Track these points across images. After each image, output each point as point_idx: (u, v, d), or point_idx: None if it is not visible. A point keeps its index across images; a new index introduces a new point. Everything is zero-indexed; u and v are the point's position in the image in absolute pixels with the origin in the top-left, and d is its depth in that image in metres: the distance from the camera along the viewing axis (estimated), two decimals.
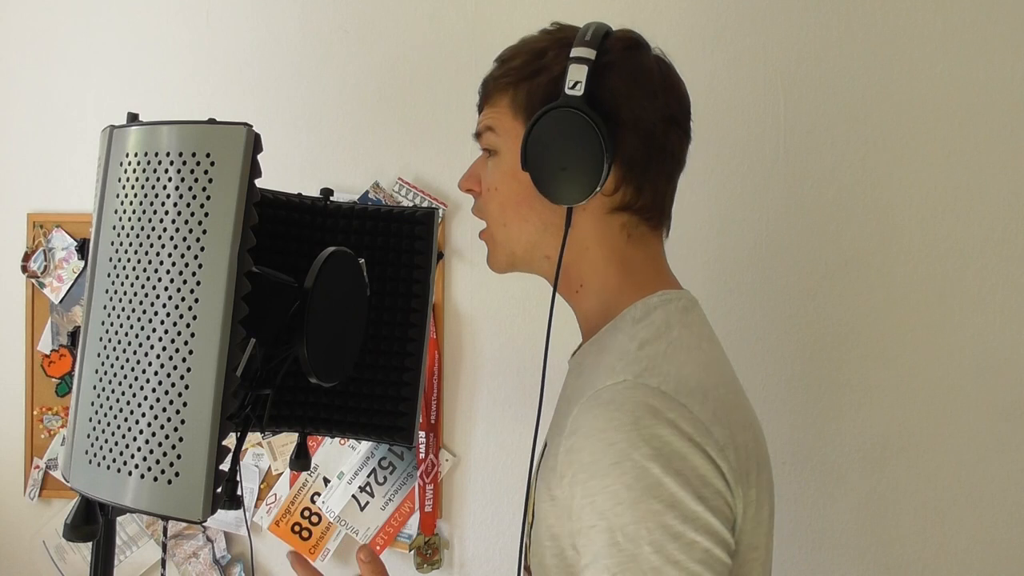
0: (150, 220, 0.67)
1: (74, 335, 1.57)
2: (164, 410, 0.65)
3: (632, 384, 0.69)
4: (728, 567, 0.67)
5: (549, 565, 0.75)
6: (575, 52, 0.76)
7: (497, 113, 0.82)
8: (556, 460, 0.72)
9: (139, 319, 0.66)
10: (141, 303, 0.66)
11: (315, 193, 0.99)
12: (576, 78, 0.75)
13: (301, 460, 1.01)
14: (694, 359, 0.74)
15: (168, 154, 0.67)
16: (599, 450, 0.67)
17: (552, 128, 0.75)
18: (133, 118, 0.72)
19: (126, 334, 0.67)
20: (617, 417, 0.67)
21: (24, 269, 1.58)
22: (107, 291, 0.68)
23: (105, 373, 0.68)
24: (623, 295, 0.81)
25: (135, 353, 0.66)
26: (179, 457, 0.64)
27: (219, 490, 0.66)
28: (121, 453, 0.66)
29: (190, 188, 0.66)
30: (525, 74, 0.80)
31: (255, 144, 0.66)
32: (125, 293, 0.67)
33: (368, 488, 1.52)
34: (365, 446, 1.52)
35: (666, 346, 0.74)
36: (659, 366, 0.71)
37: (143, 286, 0.66)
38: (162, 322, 0.65)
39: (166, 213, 0.66)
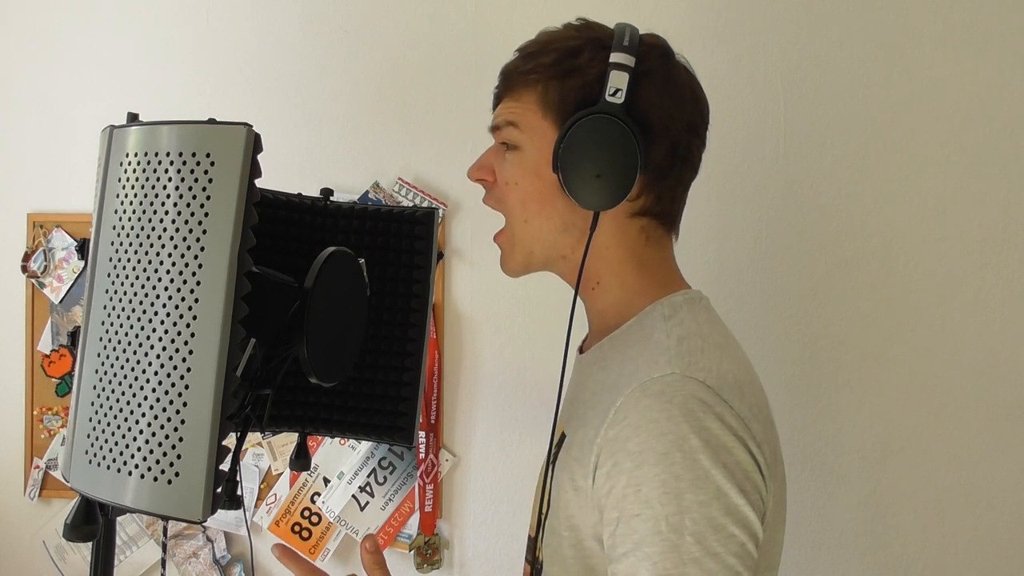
0: (150, 220, 0.67)
1: (74, 335, 1.57)
2: (164, 410, 0.65)
3: (681, 377, 0.70)
4: (756, 561, 0.68)
5: (567, 556, 0.75)
6: (615, 58, 0.75)
7: (522, 108, 0.81)
8: (585, 450, 0.73)
9: (139, 319, 0.66)
10: (141, 303, 0.66)
11: (315, 193, 0.99)
12: (617, 85, 0.74)
13: (301, 460, 1.01)
14: (727, 356, 0.75)
15: (168, 154, 0.67)
16: (649, 440, 0.67)
17: (590, 134, 0.75)
18: (133, 118, 0.72)
19: (126, 334, 0.67)
20: (668, 408, 0.68)
21: (24, 269, 1.58)
22: (107, 291, 0.68)
23: (105, 373, 0.67)
24: (643, 294, 0.81)
25: (135, 353, 0.66)
26: (179, 457, 0.64)
27: (219, 490, 0.66)
28: (121, 453, 0.66)
29: (190, 188, 0.66)
30: (557, 72, 0.78)
31: (255, 144, 0.66)
32: (125, 293, 0.67)
33: (368, 488, 1.52)
34: (365, 446, 1.52)
35: (701, 342, 0.75)
36: (700, 361, 0.72)
37: (143, 286, 0.66)
38: (162, 322, 0.65)
39: (166, 213, 0.66)
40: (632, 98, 0.75)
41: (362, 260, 0.90)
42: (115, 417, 0.66)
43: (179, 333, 0.65)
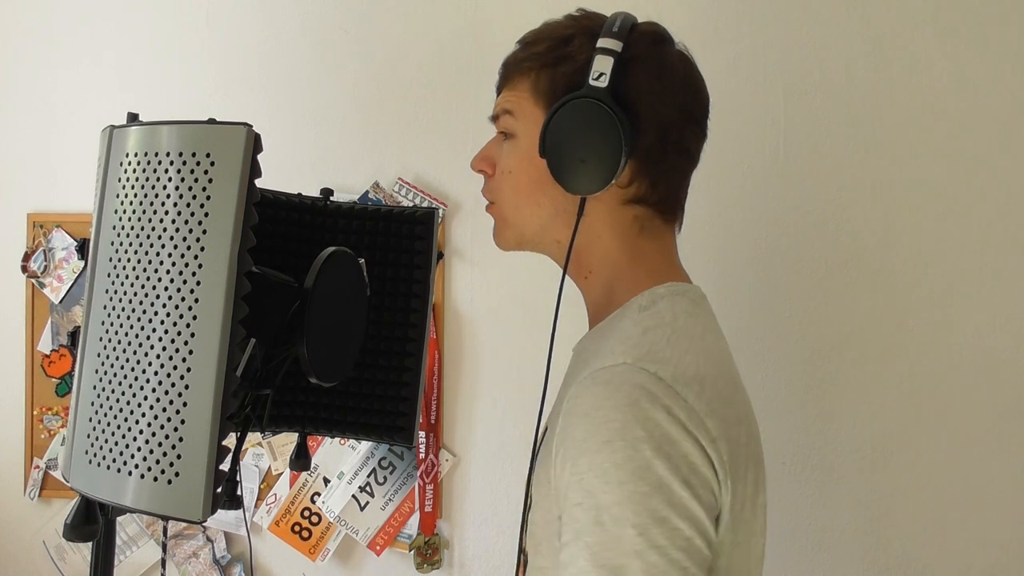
0: (150, 220, 0.67)
1: (74, 335, 1.56)
2: (164, 410, 0.65)
3: (630, 367, 0.69)
4: (707, 559, 0.67)
5: (546, 551, 0.75)
6: (601, 43, 0.75)
7: (517, 97, 0.82)
8: (552, 442, 0.73)
9: (139, 319, 0.66)
10: (141, 303, 0.66)
11: (315, 193, 0.99)
12: (601, 69, 0.74)
13: (301, 460, 1.01)
14: (695, 349, 0.74)
15: (168, 154, 0.67)
16: (592, 428, 0.67)
17: (573, 118, 0.75)
18: (133, 118, 0.72)
19: (126, 334, 0.67)
20: (613, 397, 0.67)
21: (24, 269, 1.58)
22: (107, 291, 0.68)
23: (105, 373, 0.68)
24: (631, 284, 0.81)
25: (135, 353, 0.66)
26: (179, 457, 0.64)
27: (219, 490, 0.66)
28: (121, 453, 0.66)
29: (190, 188, 0.66)
30: (549, 60, 0.79)
31: (255, 144, 0.66)
32: (125, 293, 0.67)
33: (368, 488, 1.52)
34: (365, 446, 1.52)
35: (670, 333, 0.74)
36: (659, 352, 0.71)
37: (143, 286, 0.66)
38: (162, 322, 0.65)
39: (166, 213, 0.66)
40: (618, 83, 0.75)
41: (362, 260, 0.90)
42: (115, 417, 0.66)
43: (179, 333, 0.65)
